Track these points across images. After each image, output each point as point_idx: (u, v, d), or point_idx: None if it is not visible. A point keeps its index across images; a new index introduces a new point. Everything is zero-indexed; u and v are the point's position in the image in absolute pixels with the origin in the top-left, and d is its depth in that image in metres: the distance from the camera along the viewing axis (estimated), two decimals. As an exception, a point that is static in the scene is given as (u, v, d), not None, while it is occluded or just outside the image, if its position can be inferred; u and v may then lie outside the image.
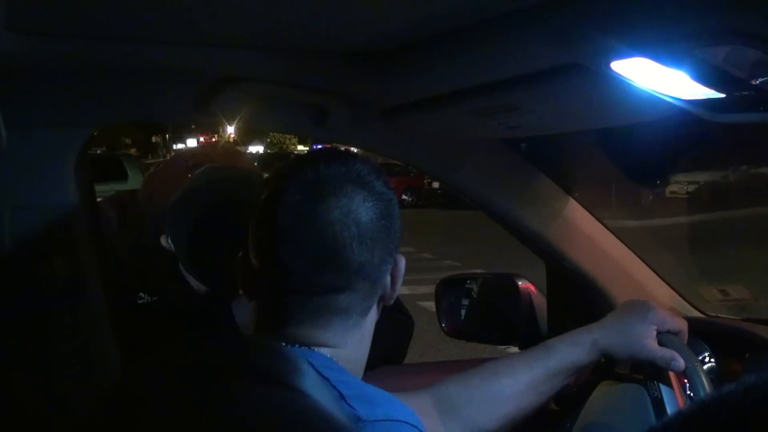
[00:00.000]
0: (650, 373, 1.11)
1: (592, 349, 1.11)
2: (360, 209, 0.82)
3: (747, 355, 1.17)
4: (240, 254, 0.89)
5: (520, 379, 1.10)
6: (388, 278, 0.88)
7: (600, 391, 1.20)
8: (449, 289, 1.66)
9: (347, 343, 0.85)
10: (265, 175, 0.99)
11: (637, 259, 1.48)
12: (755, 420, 0.30)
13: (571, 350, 1.11)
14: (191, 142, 33.31)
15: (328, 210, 0.81)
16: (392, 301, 0.91)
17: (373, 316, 0.89)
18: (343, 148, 1.08)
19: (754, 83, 0.72)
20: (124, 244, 1.41)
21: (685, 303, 1.47)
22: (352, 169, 0.85)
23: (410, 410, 0.83)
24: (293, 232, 0.82)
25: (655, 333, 1.09)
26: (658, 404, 1.08)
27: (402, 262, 0.89)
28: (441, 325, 1.66)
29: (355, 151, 1.11)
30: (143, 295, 1.40)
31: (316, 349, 0.83)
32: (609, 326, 1.12)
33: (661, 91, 0.80)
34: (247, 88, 1.15)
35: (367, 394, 0.80)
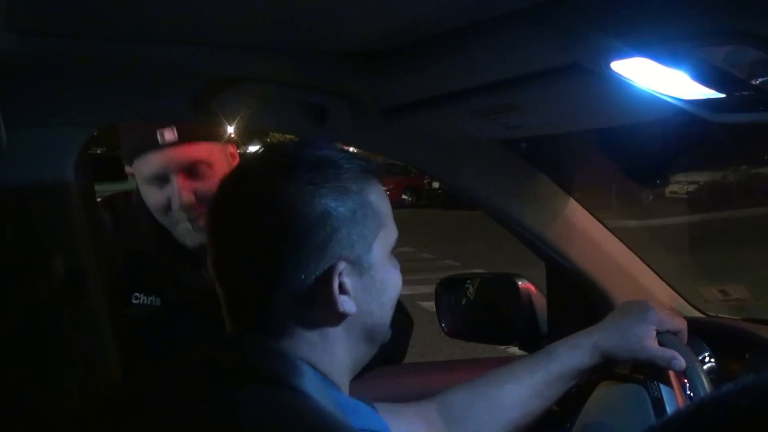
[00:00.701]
0: (650, 373, 1.11)
1: (593, 352, 1.11)
2: (269, 205, 0.75)
3: (747, 355, 1.17)
4: None
5: (523, 385, 1.10)
6: (318, 288, 0.76)
7: (600, 391, 1.20)
8: (449, 289, 1.66)
9: (313, 357, 0.79)
10: None
11: (637, 259, 1.48)
12: (753, 420, 0.31)
13: (573, 354, 1.12)
14: (191, 142, 33.19)
15: (241, 206, 0.77)
16: (350, 314, 0.78)
17: (333, 328, 0.79)
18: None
19: (754, 83, 0.72)
20: (119, 246, 1.42)
21: (685, 303, 1.47)
22: (272, 156, 0.77)
23: (378, 419, 0.80)
24: (217, 235, 0.79)
25: (654, 333, 1.09)
26: (658, 404, 1.08)
27: (340, 268, 0.76)
28: (441, 325, 1.66)
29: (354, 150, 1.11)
30: (139, 296, 1.40)
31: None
32: (609, 328, 1.12)
33: (661, 91, 0.80)
34: (247, 88, 1.14)
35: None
